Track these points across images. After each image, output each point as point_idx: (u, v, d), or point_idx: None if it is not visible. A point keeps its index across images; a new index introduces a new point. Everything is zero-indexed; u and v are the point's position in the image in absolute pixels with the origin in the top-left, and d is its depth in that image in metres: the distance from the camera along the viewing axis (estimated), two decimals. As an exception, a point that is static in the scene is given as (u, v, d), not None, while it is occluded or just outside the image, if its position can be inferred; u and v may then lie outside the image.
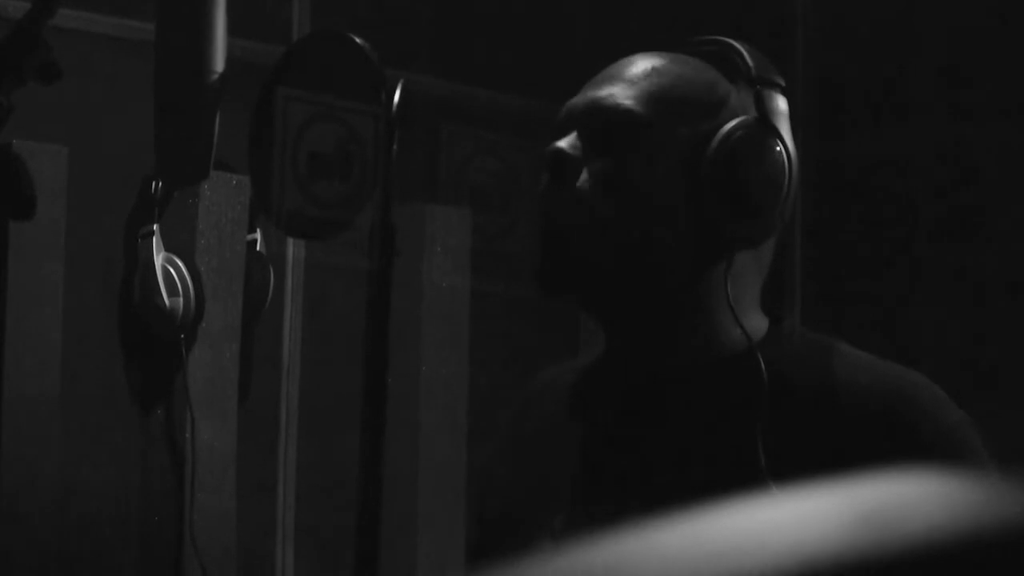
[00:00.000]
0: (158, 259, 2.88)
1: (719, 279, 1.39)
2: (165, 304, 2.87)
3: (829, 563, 0.43)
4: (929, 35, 3.32)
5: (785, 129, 1.41)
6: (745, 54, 1.42)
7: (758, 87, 1.40)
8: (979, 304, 3.20)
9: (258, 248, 3.09)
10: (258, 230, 3.09)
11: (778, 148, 1.37)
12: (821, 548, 0.43)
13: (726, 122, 1.37)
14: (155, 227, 2.89)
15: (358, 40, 1.69)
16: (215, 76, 1.90)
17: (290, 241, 3.25)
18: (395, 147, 1.53)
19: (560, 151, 1.38)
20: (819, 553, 0.43)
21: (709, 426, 1.38)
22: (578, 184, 1.37)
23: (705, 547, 0.44)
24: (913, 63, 3.36)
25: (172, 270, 2.91)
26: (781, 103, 1.42)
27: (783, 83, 1.43)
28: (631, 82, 1.40)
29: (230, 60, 1.93)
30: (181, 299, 2.90)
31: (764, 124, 1.37)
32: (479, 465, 1.64)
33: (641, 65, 1.42)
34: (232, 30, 1.96)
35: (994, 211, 3.20)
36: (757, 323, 1.42)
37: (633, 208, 1.36)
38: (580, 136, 1.40)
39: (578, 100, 1.43)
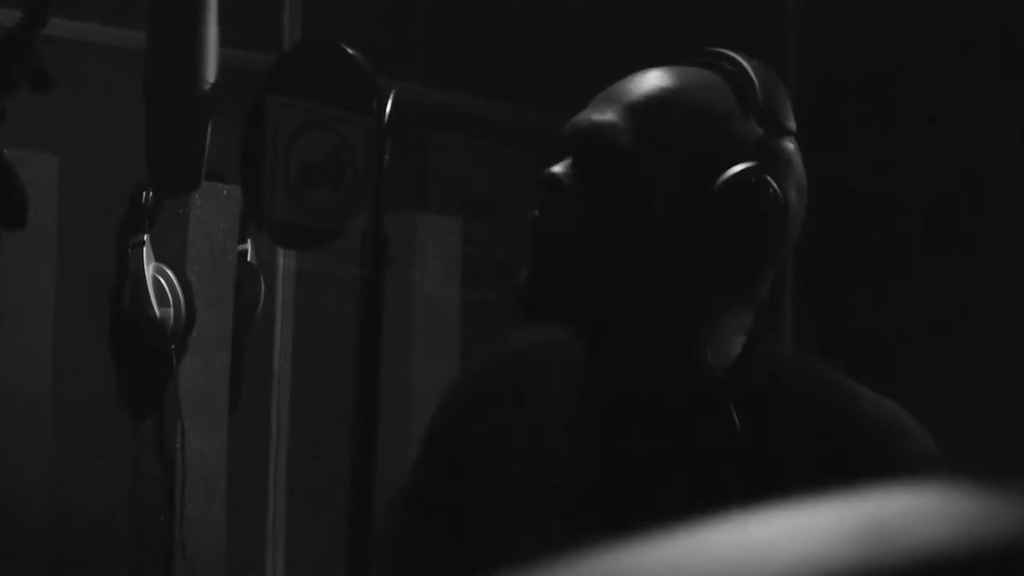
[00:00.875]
0: (149, 269, 2.88)
1: (701, 311, 1.37)
2: (156, 314, 2.87)
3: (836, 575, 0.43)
4: (923, 40, 3.33)
5: (788, 177, 1.36)
6: (756, 86, 1.38)
7: (762, 130, 1.36)
8: (970, 315, 3.20)
9: (249, 258, 3.09)
10: (249, 240, 3.09)
11: (777, 202, 1.32)
12: (822, 562, 0.43)
13: (726, 161, 1.33)
14: (146, 237, 2.89)
15: (349, 49, 1.69)
16: (206, 85, 1.90)
17: (281, 251, 3.25)
18: (386, 155, 1.52)
19: (553, 176, 1.37)
20: (820, 567, 0.43)
21: (686, 451, 1.37)
22: (568, 210, 1.36)
23: (705, 562, 0.44)
24: (907, 68, 3.37)
25: (163, 280, 2.90)
26: (787, 146, 1.38)
27: (792, 127, 1.39)
28: (633, 111, 1.36)
29: (221, 69, 1.93)
30: (172, 309, 2.90)
31: (765, 172, 1.33)
32: (434, 420, 1.58)
33: (646, 89, 1.38)
34: (223, 39, 1.96)
35: (988, 221, 3.20)
36: (731, 349, 1.41)
37: (619, 240, 1.34)
38: (575, 161, 1.37)
39: (580, 121, 1.39)
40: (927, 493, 0.46)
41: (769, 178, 1.32)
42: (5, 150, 1.53)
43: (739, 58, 1.41)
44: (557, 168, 1.37)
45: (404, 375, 3.28)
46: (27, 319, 2.80)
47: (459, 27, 3.61)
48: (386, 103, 1.53)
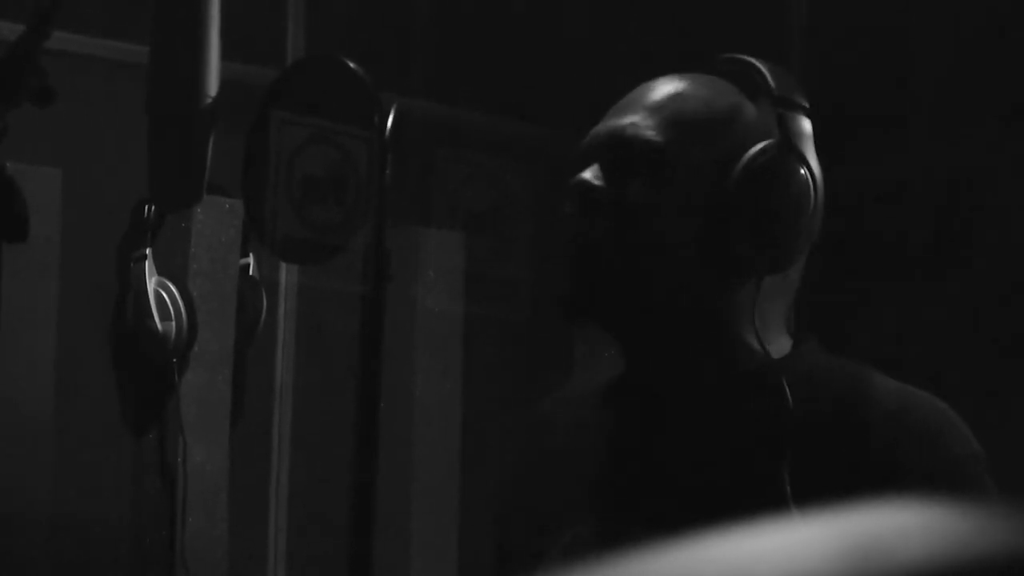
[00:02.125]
0: (151, 283, 2.88)
1: (744, 302, 1.39)
2: (157, 328, 2.87)
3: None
4: (926, 54, 3.33)
5: (809, 151, 1.40)
6: (767, 73, 1.41)
7: (780, 109, 1.39)
8: (975, 328, 3.20)
9: (251, 272, 3.09)
10: (251, 254, 3.09)
11: (802, 172, 1.36)
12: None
13: (750, 146, 1.36)
14: (148, 251, 2.89)
15: (352, 64, 1.69)
16: (209, 99, 1.90)
17: (283, 265, 3.25)
18: (389, 171, 1.53)
19: (585, 182, 1.38)
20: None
21: (730, 448, 1.38)
22: (603, 214, 1.37)
23: (702, 574, 0.44)
24: (910, 83, 3.37)
25: (165, 294, 2.90)
26: (805, 124, 1.41)
27: (807, 104, 1.42)
28: (652, 110, 1.40)
29: (224, 83, 1.93)
30: (173, 323, 2.90)
31: (788, 147, 1.36)
32: (493, 491, 1.63)
33: (662, 91, 1.42)
34: (226, 53, 1.96)
35: (987, 233, 3.20)
36: (782, 345, 1.42)
37: (658, 236, 1.37)
38: (602, 166, 1.39)
39: (600, 129, 1.43)
40: (924, 510, 0.46)
41: (790, 153, 1.36)
42: (7, 164, 1.53)
43: (740, 56, 1.45)
44: (587, 174, 1.38)
45: (406, 390, 3.28)
46: (29, 332, 2.80)
47: (462, 42, 3.61)
48: (388, 118, 1.53)
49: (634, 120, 1.39)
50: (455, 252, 3.41)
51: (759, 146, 1.35)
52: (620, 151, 1.39)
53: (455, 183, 3.55)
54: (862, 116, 3.47)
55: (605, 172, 1.39)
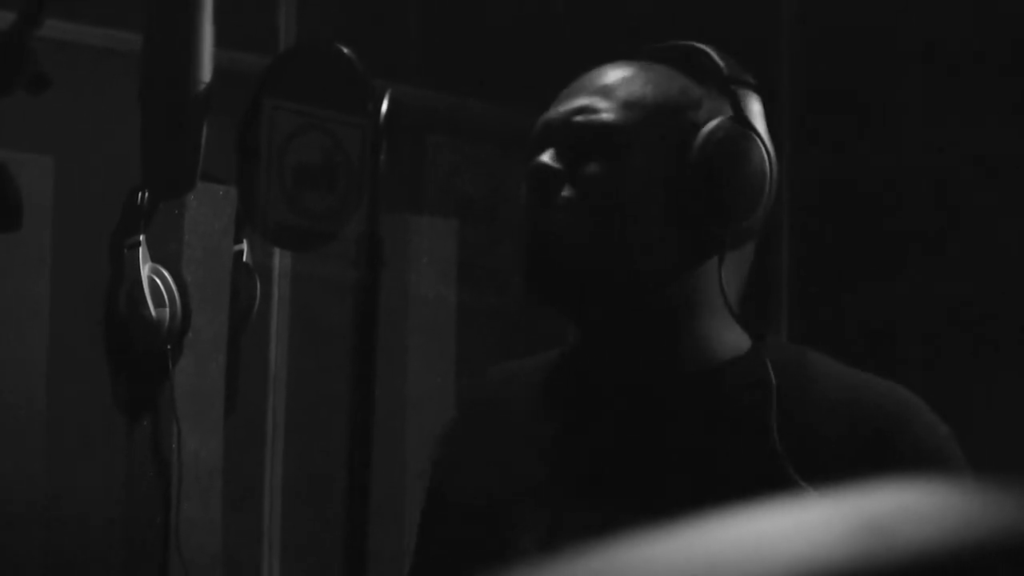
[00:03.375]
0: (144, 270, 2.88)
1: (705, 285, 1.39)
2: (151, 315, 2.87)
3: (832, 573, 0.43)
4: (919, 44, 3.33)
5: (762, 128, 1.41)
6: (714, 56, 1.43)
7: (732, 87, 1.41)
8: (964, 321, 3.20)
9: (244, 259, 3.09)
10: (245, 241, 3.09)
11: (757, 146, 1.38)
12: (824, 558, 0.43)
13: (703, 124, 1.38)
14: (141, 238, 2.89)
15: (345, 50, 1.69)
16: (202, 87, 1.90)
17: (277, 252, 3.24)
18: (382, 158, 1.52)
19: (543, 165, 1.40)
20: (822, 563, 0.43)
21: (700, 435, 1.38)
22: (562, 197, 1.38)
23: (706, 557, 0.45)
24: (903, 72, 3.37)
25: (158, 281, 2.90)
26: (755, 103, 1.43)
27: (755, 82, 1.44)
28: (605, 93, 1.41)
29: (217, 70, 1.93)
30: (167, 310, 2.90)
31: (741, 123, 1.38)
32: (433, 457, 1.63)
33: (613, 75, 1.43)
34: (219, 40, 1.96)
35: (976, 229, 3.20)
36: (737, 335, 1.43)
37: (616, 217, 1.38)
38: (558, 151, 1.41)
39: (553, 114, 1.44)
40: (924, 490, 0.46)
41: (744, 129, 1.38)
42: (0, 152, 1.53)
43: (683, 42, 1.47)
44: (544, 157, 1.39)
45: (399, 377, 3.28)
46: (22, 320, 2.80)
47: (455, 29, 3.61)
48: (381, 105, 1.53)
49: (586, 103, 1.41)
50: (448, 239, 3.41)
51: (715, 122, 1.37)
52: (575, 134, 1.40)
53: (448, 170, 3.55)
54: (851, 106, 3.47)
55: (561, 155, 1.40)
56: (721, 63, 1.42)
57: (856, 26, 3.40)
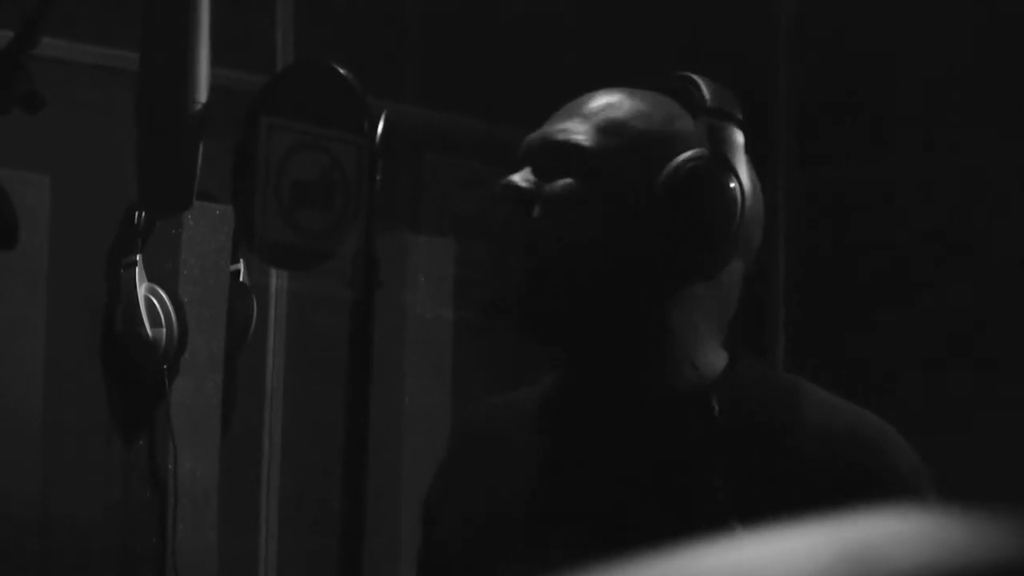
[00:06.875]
0: (141, 289, 2.87)
1: (676, 316, 1.40)
2: (148, 335, 2.86)
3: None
4: (917, 60, 3.34)
5: (739, 161, 1.41)
6: (703, 87, 1.44)
7: (711, 120, 1.41)
8: (957, 343, 3.20)
9: (241, 278, 3.09)
10: (241, 260, 3.09)
11: (729, 179, 1.38)
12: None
13: (679, 150, 1.38)
14: (138, 257, 2.88)
15: (341, 70, 1.69)
16: (199, 105, 1.90)
17: (273, 271, 3.24)
18: (378, 177, 1.52)
19: (511, 184, 1.41)
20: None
21: (664, 465, 1.38)
22: (532, 217, 1.39)
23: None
24: (897, 88, 3.38)
25: (155, 300, 2.90)
26: (736, 136, 1.43)
27: (739, 116, 1.44)
28: (585, 117, 1.42)
29: (214, 89, 1.94)
30: (164, 330, 2.89)
31: (715, 156, 1.38)
32: (424, 499, 1.64)
33: (599, 100, 1.44)
34: (216, 59, 1.96)
35: (987, 240, 3.21)
36: (715, 359, 1.42)
37: (584, 240, 1.38)
38: (534, 170, 1.42)
39: (534, 135, 1.46)
40: (910, 518, 0.46)
41: (717, 161, 1.38)
42: (-4, 170, 1.53)
43: (680, 73, 1.48)
44: (515, 177, 1.40)
45: (396, 396, 3.28)
46: (18, 339, 2.79)
47: (452, 48, 3.61)
48: (378, 124, 1.53)
49: (566, 126, 1.42)
50: (445, 258, 3.41)
51: (687, 153, 1.37)
52: (549, 154, 1.41)
53: (445, 189, 3.55)
54: (848, 118, 3.47)
55: (536, 175, 1.41)
56: (707, 95, 1.43)
57: (854, 41, 3.41)
